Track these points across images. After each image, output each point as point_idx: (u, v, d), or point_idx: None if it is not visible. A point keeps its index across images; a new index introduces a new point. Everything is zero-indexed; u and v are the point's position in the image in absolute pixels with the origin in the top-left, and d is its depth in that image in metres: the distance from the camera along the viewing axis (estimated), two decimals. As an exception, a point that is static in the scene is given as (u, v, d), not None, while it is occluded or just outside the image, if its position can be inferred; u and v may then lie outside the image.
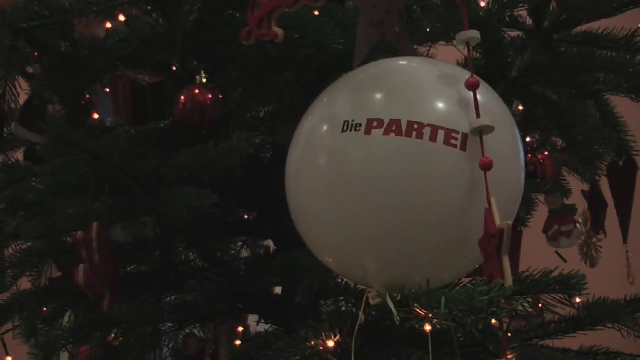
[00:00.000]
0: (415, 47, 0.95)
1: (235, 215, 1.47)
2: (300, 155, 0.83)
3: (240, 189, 1.34)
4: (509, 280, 0.68)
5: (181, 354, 1.46)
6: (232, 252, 1.65)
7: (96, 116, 1.45)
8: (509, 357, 0.76)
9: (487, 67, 1.36)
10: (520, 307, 0.67)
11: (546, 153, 1.47)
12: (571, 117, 1.35)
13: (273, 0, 0.77)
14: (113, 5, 1.23)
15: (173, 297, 1.38)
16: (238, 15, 1.11)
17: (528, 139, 1.49)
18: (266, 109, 1.40)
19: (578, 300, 1.41)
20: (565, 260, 1.78)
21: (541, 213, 1.83)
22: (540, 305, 1.38)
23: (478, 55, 1.36)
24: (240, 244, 1.73)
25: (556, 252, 1.78)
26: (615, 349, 1.42)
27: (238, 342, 1.51)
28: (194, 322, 1.40)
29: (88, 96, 1.44)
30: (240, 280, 1.08)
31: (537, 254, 1.60)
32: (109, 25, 1.34)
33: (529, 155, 1.47)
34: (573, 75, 1.39)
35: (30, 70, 1.41)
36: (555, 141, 1.67)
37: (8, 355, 1.56)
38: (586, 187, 1.66)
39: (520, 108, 1.51)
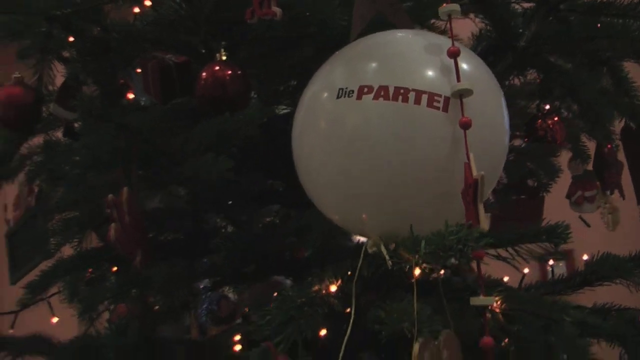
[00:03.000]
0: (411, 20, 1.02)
1: (263, 185, 1.58)
2: (302, 119, 0.93)
3: (265, 159, 1.44)
4: (483, 224, 0.77)
5: (215, 315, 1.57)
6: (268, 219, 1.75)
7: (131, 96, 1.57)
8: (496, 300, 0.85)
9: (496, 38, 1.44)
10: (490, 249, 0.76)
11: (556, 118, 1.54)
12: (576, 82, 1.41)
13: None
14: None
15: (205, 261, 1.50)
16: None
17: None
18: (289, 83, 1.50)
19: (585, 257, 1.50)
20: (588, 225, 1.86)
21: (564, 179, 1.90)
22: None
23: (487, 27, 1.44)
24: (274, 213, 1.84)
25: (580, 217, 1.84)
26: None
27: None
28: (225, 284, 1.51)
29: (122, 80, 1.57)
30: (260, 240, 1.19)
31: (560, 219, 1.68)
32: (137, 9, 1.45)
33: (539, 121, 1.55)
34: (581, 43, 1.46)
35: (65, 54, 1.53)
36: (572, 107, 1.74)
37: (54, 315, 1.70)
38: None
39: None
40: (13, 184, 1.74)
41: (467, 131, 0.82)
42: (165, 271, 1.21)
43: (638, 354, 1.21)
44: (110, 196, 1.06)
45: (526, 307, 0.90)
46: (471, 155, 0.81)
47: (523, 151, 1.70)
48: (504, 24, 1.41)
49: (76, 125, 1.58)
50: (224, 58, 1.27)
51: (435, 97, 0.83)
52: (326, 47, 1.19)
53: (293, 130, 0.95)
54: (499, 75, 1.41)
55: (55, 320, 1.69)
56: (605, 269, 1.37)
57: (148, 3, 1.40)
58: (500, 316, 0.87)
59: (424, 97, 0.83)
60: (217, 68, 1.24)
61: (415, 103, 0.83)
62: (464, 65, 0.87)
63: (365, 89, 0.85)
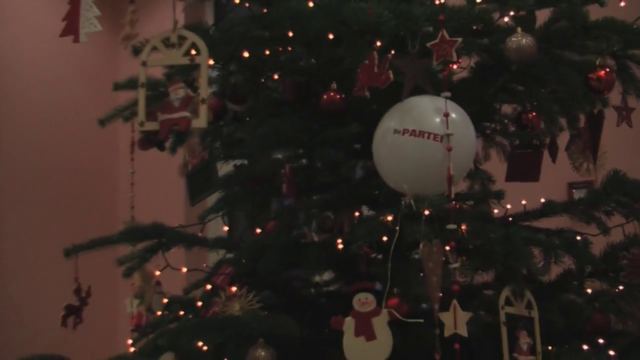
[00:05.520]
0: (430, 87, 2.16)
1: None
2: (378, 140, 2.13)
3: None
4: (451, 193, 1.96)
5: (322, 227, 2.79)
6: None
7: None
8: (463, 227, 2.04)
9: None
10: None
11: (534, 114, 2.65)
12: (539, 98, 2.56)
13: (369, 81, 2.04)
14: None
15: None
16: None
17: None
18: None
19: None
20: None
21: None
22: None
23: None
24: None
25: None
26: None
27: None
28: (329, 209, 2.73)
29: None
30: (357, 187, 2.41)
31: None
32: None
33: (523, 115, 2.66)
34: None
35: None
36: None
37: (225, 225, 2.97)
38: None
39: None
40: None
41: (450, 152, 2.00)
42: (306, 203, 2.45)
43: (555, 257, 2.38)
44: (284, 168, 2.30)
45: (478, 226, 2.09)
46: (451, 163, 1.99)
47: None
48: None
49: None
50: (334, 87, 2.44)
51: (436, 136, 2.01)
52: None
53: (373, 144, 2.15)
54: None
55: (225, 228, 2.96)
56: (549, 207, 2.55)
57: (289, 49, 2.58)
58: (465, 234, 2.06)
59: (432, 136, 2.01)
60: (331, 93, 2.43)
61: (427, 138, 2.01)
62: (453, 115, 2.04)
63: (406, 130, 2.04)
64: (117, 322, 5.36)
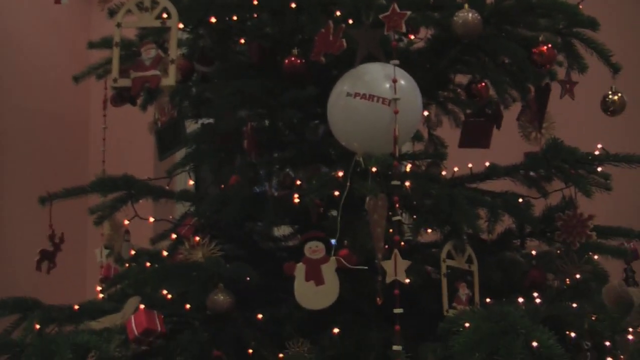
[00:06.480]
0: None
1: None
2: (332, 102, 2.37)
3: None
4: (397, 151, 2.20)
5: (281, 184, 3.02)
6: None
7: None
8: (407, 184, 2.28)
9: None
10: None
11: (483, 84, 2.90)
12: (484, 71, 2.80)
13: (325, 48, 2.28)
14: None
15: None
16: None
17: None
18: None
19: (487, 163, 2.91)
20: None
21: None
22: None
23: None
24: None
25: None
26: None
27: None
28: (289, 166, 2.96)
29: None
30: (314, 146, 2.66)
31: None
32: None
33: (473, 85, 2.90)
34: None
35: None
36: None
37: (191, 179, 3.21)
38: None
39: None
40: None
41: (397, 115, 2.24)
42: (264, 159, 2.69)
43: (496, 216, 2.64)
44: (248, 125, 2.54)
45: (421, 184, 2.34)
46: (397, 126, 2.23)
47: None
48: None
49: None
50: (295, 52, 2.67)
51: (385, 100, 2.26)
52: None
53: (328, 106, 2.39)
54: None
55: (191, 182, 3.19)
56: (492, 170, 2.80)
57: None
58: (409, 190, 2.30)
59: (380, 99, 2.26)
60: (292, 58, 2.65)
61: (376, 102, 2.25)
62: (401, 82, 2.28)
63: (357, 94, 2.28)
64: (85, 269, 5.64)
